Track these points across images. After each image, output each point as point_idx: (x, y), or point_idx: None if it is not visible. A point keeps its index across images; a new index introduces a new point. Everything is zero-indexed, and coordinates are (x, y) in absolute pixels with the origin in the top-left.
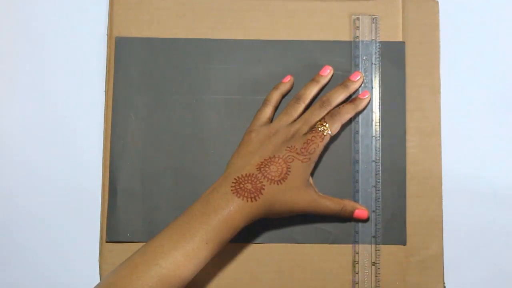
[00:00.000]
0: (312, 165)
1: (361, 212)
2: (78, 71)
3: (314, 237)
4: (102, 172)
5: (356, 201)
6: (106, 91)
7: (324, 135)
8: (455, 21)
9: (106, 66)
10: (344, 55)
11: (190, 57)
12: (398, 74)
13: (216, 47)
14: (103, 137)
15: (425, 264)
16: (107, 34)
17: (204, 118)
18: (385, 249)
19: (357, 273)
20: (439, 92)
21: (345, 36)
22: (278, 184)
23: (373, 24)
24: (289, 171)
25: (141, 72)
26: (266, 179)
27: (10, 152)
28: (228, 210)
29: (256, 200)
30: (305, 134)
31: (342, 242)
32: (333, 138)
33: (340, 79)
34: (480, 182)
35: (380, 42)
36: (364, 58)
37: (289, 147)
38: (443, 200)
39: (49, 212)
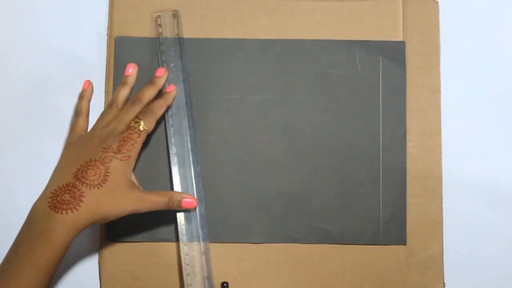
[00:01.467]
0: (133, 163)
1: (189, 201)
2: (78, 71)
3: (314, 237)
4: None
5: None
6: (106, 91)
7: (141, 131)
8: (455, 21)
9: (106, 66)
10: (344, 54)
11: (190, 57)
12: (399, 73)
13: (216, 46)
14: None
15: (425, 264)
16: (107, 34)
17: (204, 117)
18: (385, 249)
19: (188, 265)
20: (439, 92)
21: (345, 35)
22: (98, 188)
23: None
24: (108, 173)
25: (140, 72)
26: (84, 185)
27: (10, 151)
28: (50, 230)
29: (76, 209)
30: (121, 133)
31: (342, 242)
32: (150, 135)
33: (343, 80)
34: (480, 182)
35: (380, 42)
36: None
37: (105, 148)
38: (443, 200)
39: None
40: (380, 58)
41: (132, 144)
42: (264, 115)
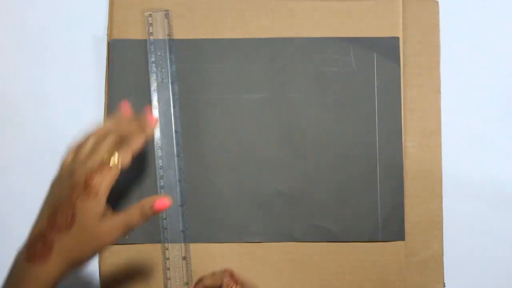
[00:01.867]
0: (102, 199)
1: (160, 202)
2: (78, 72)
3: (313, 235)
4: None
5: None
6: (106, 92)
7: (111, 166)
8: (455, 21)
9: (106, 67)
10: (339, 51)
11: (184, 57)
12: (393, 69)
13: (211, 46)
14: None
15: (425, 264)
16: (107, 35)
17: (200, 117)
18: (385, 248)
19: (168, 269)
20: (439, 92)
21: (345, 35)
22: (67, 231)
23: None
24: (75, 214)
25: (136, 73)
26: (54, 230)
27: (10, 153)
28: (27, 283)
29: (48, 259)
30: (91, 167)
31: (342, 239)
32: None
33: (338, 77)
34: (480, 182)
35: (373, 38)
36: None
37: (72, 185)
38: (443, 200)
39: None
40: (374, 54)
41: (101, 181)
42: (260, 114)
